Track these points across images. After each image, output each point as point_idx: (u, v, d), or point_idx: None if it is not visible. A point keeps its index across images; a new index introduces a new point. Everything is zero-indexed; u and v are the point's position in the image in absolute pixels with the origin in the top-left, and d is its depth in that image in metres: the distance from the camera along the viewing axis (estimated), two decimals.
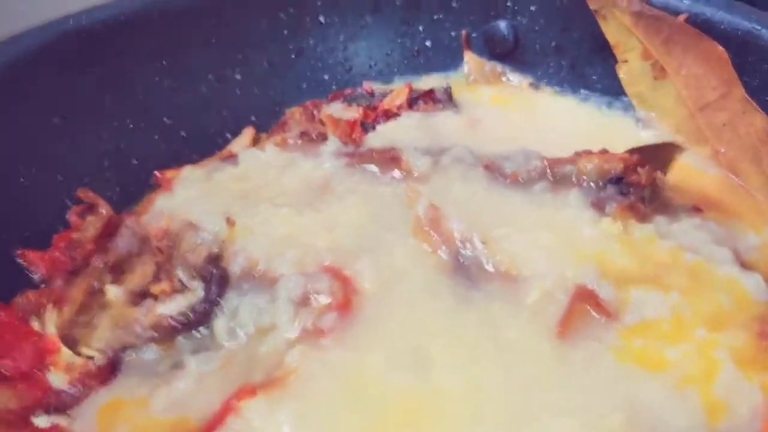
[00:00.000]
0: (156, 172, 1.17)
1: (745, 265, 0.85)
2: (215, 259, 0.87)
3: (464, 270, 0.83)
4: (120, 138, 1.15)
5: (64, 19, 1.06)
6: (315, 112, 1.22)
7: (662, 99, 1.12)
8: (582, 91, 1.24)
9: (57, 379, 0.81)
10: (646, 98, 1.15)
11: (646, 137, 1.12)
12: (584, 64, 1.24)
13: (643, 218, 0.88)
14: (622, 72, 1.15)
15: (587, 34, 1.20)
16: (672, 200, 0.96)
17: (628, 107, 1.18)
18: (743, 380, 0.71)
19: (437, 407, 0.69)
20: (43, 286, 0.97)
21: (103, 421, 0.76)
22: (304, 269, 0.83)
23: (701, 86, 1.06)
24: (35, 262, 0.98)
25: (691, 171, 1.03)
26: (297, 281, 0.81)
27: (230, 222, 0.88)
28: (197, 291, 0.83)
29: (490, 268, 0.82)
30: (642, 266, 0.82)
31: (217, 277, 0.83)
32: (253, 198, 0.95)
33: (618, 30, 1.12)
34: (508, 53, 1.29)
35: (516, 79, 1.29)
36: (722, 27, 1.05)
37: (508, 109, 1.22)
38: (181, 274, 0.85)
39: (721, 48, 1.03)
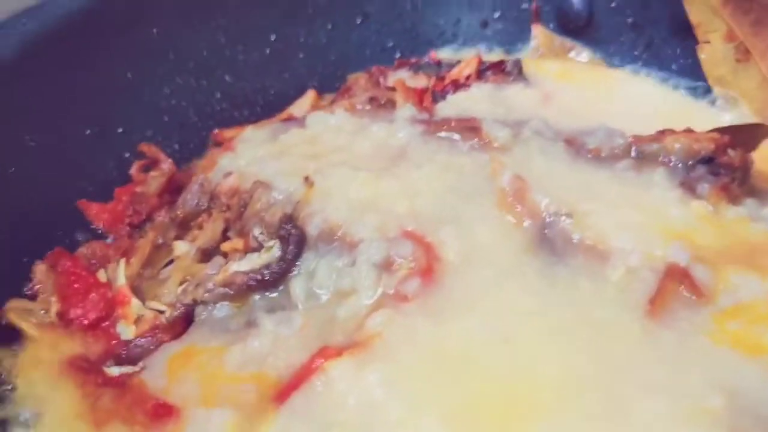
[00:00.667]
0: (216, 131, 1.15)
1: None
2: (290, 220, 0.84)
3: (549, 243, 0.81)
4: (181, 95, 1.13)
5: None
6: (381, 79, 1.19)
7: (745, 82, 1.09)
8: (657, 71, 1.20)
9: (126, 331, 0.79)
10: (727, 81, 1.11)
11: (726, 120, 1.08)
12: (662, 44, 1.20)
13: (735, 200, 0.85)
14: (704, 53, 1.12)
15: (666, 13, 1.16)
16: (760, 184, 0.93)
17: (705, 90, 1.14)
18: None
19: (526, 384, 0.67)
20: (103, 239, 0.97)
21: (173, 370, 0.75)
22: (384, 234, 0.80)
23: None
24: (98, 214, 0.97)
25: None
26: (379, 245, 0.78)
27: (309, 182, 0.85)
28: (274, 250, 0.80)
29: (576, 240, 0.79)
30: (735, 248, 0.79)
31: (295, 236, 0.80)
32: (327, 160, 0.92)
33: (702, 9, 1.09)
34: (580, 29, 1.25)
35: (586, 56, 1.25)
36: None
37: (578, 86, 1.18)
38: (257, 231, 0.82)
39: None
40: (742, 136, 0.92)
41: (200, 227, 0.89)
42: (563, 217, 0.82)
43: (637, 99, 1.17)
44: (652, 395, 0.66)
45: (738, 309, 0.73)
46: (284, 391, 0.68)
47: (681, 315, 0.73)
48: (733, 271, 0.76)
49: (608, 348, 0.70)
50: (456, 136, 0.95)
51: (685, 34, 1.14)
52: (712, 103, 1.13)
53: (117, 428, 0.69)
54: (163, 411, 0.68)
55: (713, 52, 1.11)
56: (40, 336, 0.78)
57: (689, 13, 1.10)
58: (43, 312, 0.80)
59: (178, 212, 0.91)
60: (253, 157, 0.98)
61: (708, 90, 1.14)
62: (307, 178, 0.86)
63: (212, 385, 0.71)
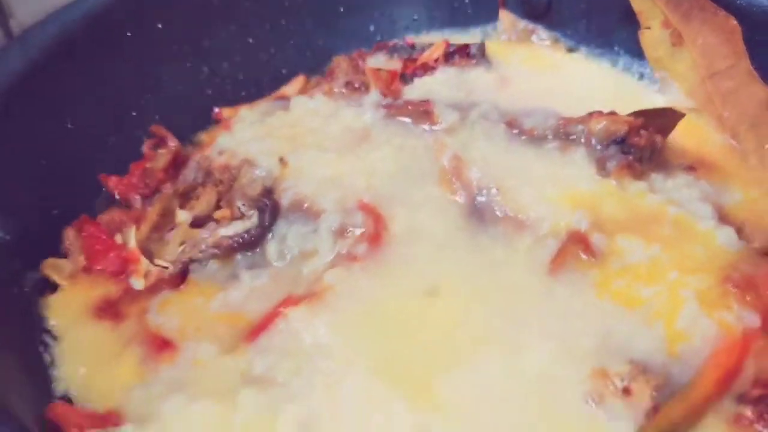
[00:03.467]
0: (216, 110, 1.32)
1: (724, 219, 0.97)
2: (268, 193, 1.02)
3: (479, 215, 0.98)
4: (186, 81, 1.30)
5: None
6: (360, 62, 1.35)
7: (678, 65, 1.22)
8: (607, 53, 1.34)
9: (137, 283, 0.98)
10: (664, 63, 1.25)
11: (660, 100, 1.23)
12: (611, 29, 1.33)
13: (639, 176, 1.00)
14: (644, 38, 1.25)
15: (616, 1, 1.29)
16: (671, 159, 1.08)
17: (648, 71, 1.28)
18: (703, 316, 0.84)
19: (443, 336, 0.85)
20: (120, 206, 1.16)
21: (163, 311, 0.94)
22: (343, 206, 0.98)
23: (714, 55, 1.16)
24: (115, 186, 1.15)
25: (695, 133, 1.14)
26: (336, 215, 0.96)
27: (283, 162, 1.03)
28: (253, 218, 0.99)
29: (499, 213, 0.96)
30: (632, 218, 0.95)
31: (270, 207, 0.99)
32: (302, 142, 1.10)
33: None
34: (541, 14, 1.39)
35: (546, 39, 1.39)
36: (740, 2, 1.13)
37: (537, 69, 1.33)
38: (240, 203, 1.01)
39: (734, 21, 1.12)
40: (660, 119, 1.07)
41: (197, 198, 1.08)
42: (492, 191, 0.99)
43: (588, 80, 1.31)
44: (542, 340, 0.83)
45: (624, 269, 0.90)
46: (255, 330, 0.87)
47: (576, 274, 0.90)
48: (624, 237, 0.92)
49: (513, 304, 0.87)
50: (410, 120, 1.11)
51: (632, 20, 1.27)
52: (653, 84, 1.27)
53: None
54: (163, 343, 0.88)
55: (652, 36, 1.24)
56: (69, 285, 0.98)
57: (632, 2, 1.24)
58: (72, 266, 1.00)
59: (179, 186, 1.10)
60: (244, 138, 1.15)
61: (651, 72, 1.28)
62: (281, 159, 1.04)
63: (199, 323, 0.91)
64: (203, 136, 1.29)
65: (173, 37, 1.28)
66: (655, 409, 0.75)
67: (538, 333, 0.84)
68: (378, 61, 1.35)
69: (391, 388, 0.79)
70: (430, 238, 0.95)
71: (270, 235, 0.99)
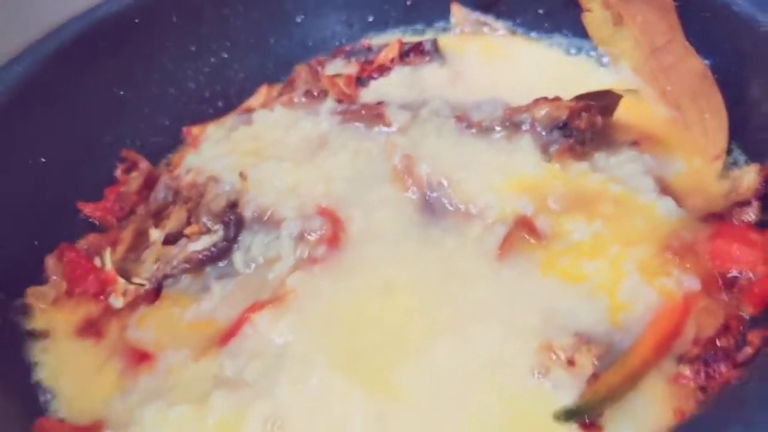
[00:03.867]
0: (185, 128, 1.38)
1: (665, 190, 1.01)
2: (233, 206, 1.08)
3: (430, 208, 1.03)
4: (153, 104, 1.36)
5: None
6: (319, 69, 1.40)
7: (622, 43, 1.26)
8: (557, 38, 1.38)
9: (116, 302, 1.04)
10: (608, 43, 1.28)
11: (609, 80, 1.27)
12: (559, 13, 1.37)
13: (581, 157, 1.05)
14: (587, 20, 1.29)
15: None
16: (617, 136, 1.12)
17: (597, 52, 1.32)
18: (644, 285, 0.89)
19: (397, 322, 0.90)
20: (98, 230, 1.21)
21: (147, 325, 1.00)
22: (303, 212, 1.03)
23: (653, 32, 1.20)
24: (92, 212, 1.21)
25: (640, 109, 1.19)
26: (296, 222, 1.02)
27: (243, 176, 1.09)
28: (219, 232, 1.05)
29: (449, 206, 1.01)
30: (575, 198, 0.99)
31: (234, 221, 1.04)
32: (264, 154, 1.15)
33: None
34: (491, 4, 1.43)
35: (498, 28, 1.43)
36: None
37: (489, 60, 1.37)
38: (205, 219, 1.06)
39: None
40: (601, 101, 1.11)
41: (168, 217, 1.13)
42: (442, 185, 1.03)
43: (538, 66, 1.35)
44: (492, 324, 0.87)
45: (568, 248, 0.94)
46: (225, 336, 0.93)
47: (523, 257, 0.94)
48: (568, 218, 0.97)
49: (464, 292, 0.92)
50: (364, 124, 1.16)
51: (576, 3, 1.31)
52: (601, 65, 1.32)
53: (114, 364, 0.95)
54: (141, 355, 0.94)
55: (594, 18, 1.28)
56: (53, 309, 1.04)
57: None
58: (54, 292, 1.06)
59: (151, 206, 1.15)
60: (210, 155, 1.21)
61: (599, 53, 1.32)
62: (241, 174, 1.09)
63: (174, 333, 0.96)
64: (173, 157, 1.34)
65: (137, 64, 1.33)
66: (594, 376, 0.80)
67: (487, 318, 0.88)
68: (336, 66, 1.40)
69: (351, 381, 0.84)
70: (386, 235, 1.00)
71: (236, 246, 1.04)
